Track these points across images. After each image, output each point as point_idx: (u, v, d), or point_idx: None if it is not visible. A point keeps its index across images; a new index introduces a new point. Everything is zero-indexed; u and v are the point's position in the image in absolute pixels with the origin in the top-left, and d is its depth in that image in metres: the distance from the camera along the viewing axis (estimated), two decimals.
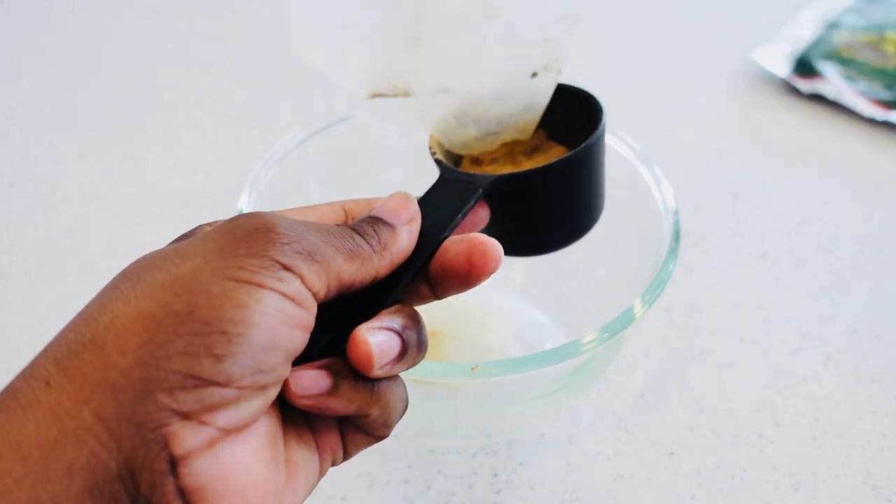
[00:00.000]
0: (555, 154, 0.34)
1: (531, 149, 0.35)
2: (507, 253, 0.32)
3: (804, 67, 0.65)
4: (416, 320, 0.25)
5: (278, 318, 0.21)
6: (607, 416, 0.44)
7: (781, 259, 0.53)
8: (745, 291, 0.51)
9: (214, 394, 0.20)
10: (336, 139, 0.45)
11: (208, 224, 0.25)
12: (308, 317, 0.22)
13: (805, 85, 0.64)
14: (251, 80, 0.68)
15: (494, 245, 0.26)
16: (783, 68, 0.66)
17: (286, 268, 0.21)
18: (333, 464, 0.26)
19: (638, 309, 0.35)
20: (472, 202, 0.29)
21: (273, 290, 0.21)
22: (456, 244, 0.27)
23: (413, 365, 0.25)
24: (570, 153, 0.31)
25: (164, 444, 0.19)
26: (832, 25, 0.69)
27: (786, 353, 0.48)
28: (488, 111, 0.32)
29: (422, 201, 0.28)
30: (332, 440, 0.25)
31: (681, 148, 0.61)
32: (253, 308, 0.20)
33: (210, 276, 0.21)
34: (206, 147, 0.62)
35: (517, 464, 0.42)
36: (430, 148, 0.33)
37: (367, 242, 0.24)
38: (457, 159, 0.35)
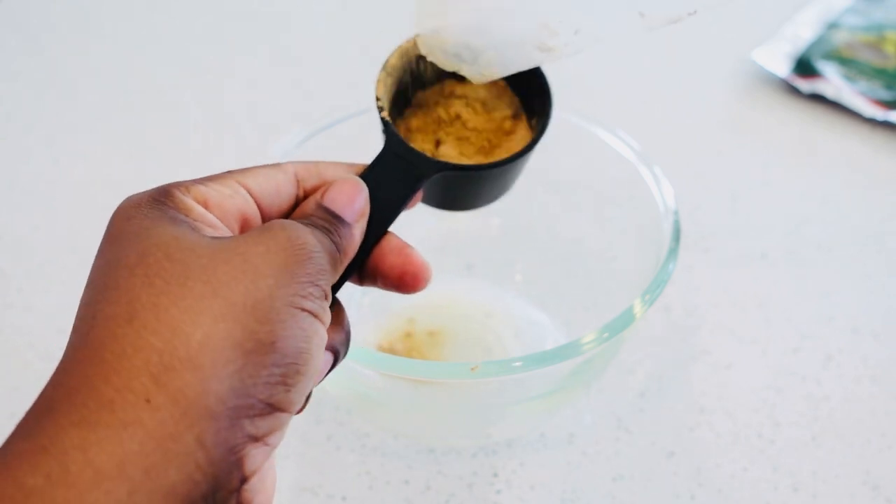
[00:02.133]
0: (510, 142, 0.34)
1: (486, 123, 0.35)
2: (430, 204, 0.34)
3: (804, 67, 0.65)
4: (343, 324, 0.27)
5: (321, 346, 0.23)
6: (607, 416, 0.44)
7: (781, 259, 0.53)
8: (745, 291, 0.51)
9: (279, 419, 0.22)
10: (336, 139, 0.45)
11: (179, 190, 0.25)
12: (327, 338, 0.24)
13: (805, 85, 0.64)
14: (251, 80, 0.68)
15: (426, 269, 0.28)
16: (783, 68, 0.66)
17: (326, 296, 0.24)
18: None
19: (638, 309, 0.35)
20: (416, 189, 0.29)
21: (321, 321, 0.23)
22: (393, 254, 0.28)
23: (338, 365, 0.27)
24: (511, 155, 0.31)
25: (241, 466, 0.21)
26: (832, 25, 0.69)
27: (785, 353, 0.48)
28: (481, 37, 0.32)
29: (367, 178, 0.29)
30: None
31: (681, 148, 0.61)
32: (312, 339, 0.22)
33: (284, 304, 0.22)
34: (206, 147, 0.62)
35: (517, 464, 0.42)
36: (378, 99, 0.32)
37: (338, 249, 0.26)
38: (393, 102, 0.34)
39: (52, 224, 0.56)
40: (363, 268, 0.28)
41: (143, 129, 0.64)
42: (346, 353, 0.27)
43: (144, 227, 0.23)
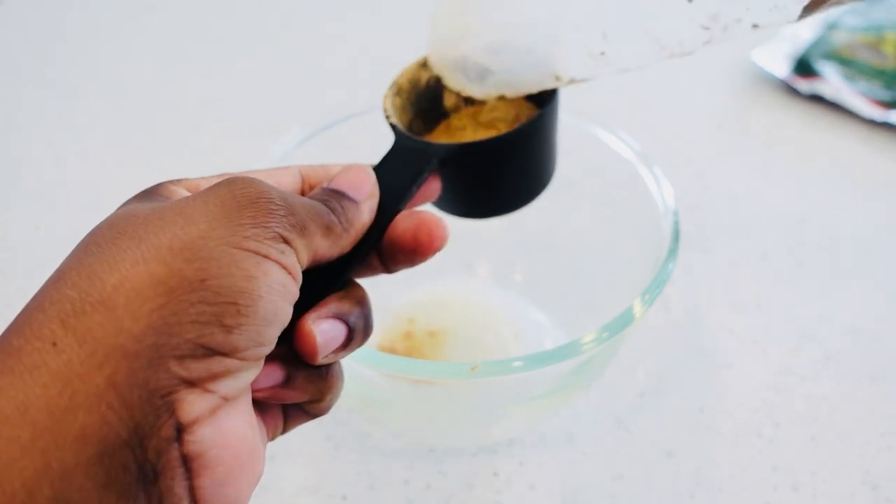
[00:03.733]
0: (519, 114, 0.34)
1: (491, 114, 0.34)
2: (460, 215, 0.34)
3: (804, 68, 0.65)
4: (362, 304, 0.26)
5: (280, 291, 0.21)
6: (607, 416, 0.44)
7: (781, 259, 0.53)
8: (745, 291, 0.51)
9: (220, 363, 0.20)
10: (336, 139, 0.45)
11: (172, 182, 0.25)
12: (297, 292, 0.22)
13: (804, 85, 0.64)
14: (251, 80, 0.68)
15: (440, 225, 0.27)
16: (783, 69, 0.66)
17: (286, 241, 0.22)
18: (271, 439, 0.26)
19: (638, 309, 0.35)
20: (427, 173, 0.29)
21: (277, 262, 0.21)
22: (404, 220, 0.27)
23: (359, 347, 0.26)
24: (519, 125, 0.31)
25: (172, 411, 0.19)
26: (831, 26, 0.69)
27: (785, 353, 0.48)
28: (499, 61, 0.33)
29: (377, 170, 0.28)
30: (275, 418, 0.25)
31: (681, 148, 0.62)
32: (260, 280, 0.21)
33: (219, 244, 0.21)
34: (206, 147, 0.62)
35: (517, 464, 0.42)
36: (385, 110, 0.32)
37: (338, 218, 0.25)
38: (412, 123, 0.34)
39: (53, 224, 0.56)
40: (382, 251, 0.28)
41: (144, 130, 0.64)
42: (365, 330, 0.26)
43: (116, 210, 0.23)
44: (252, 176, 0.24)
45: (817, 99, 0.65)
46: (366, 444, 0.43)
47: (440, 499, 0.41)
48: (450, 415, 0.41)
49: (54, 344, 0.19)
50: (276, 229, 0.22)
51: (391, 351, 0.46)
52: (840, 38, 0.68)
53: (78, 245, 0.22)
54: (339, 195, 0.26)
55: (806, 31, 0.69)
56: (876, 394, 0.45)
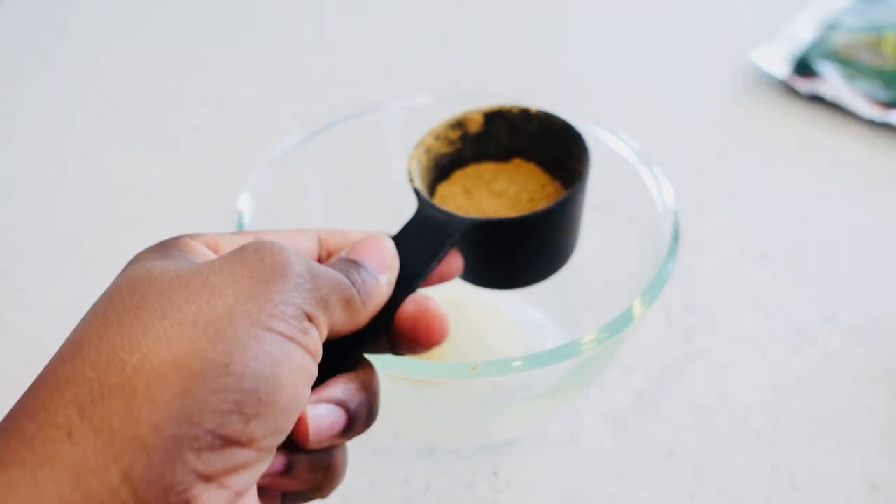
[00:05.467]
0: (543, 194, 0.34)
1: (521, 188, 0.34)
2: (480, 285, 0.33)
3: (803, 68, 0.65)
4: (369, 389, 0.24)
5: (302, 376, 0.20)
6: (607, 415, 0.44)
7: (781, 259, 0.53)
8: (745, 291, 0.51)
9: (236, 455, 0.19)
10: (336, 139, 0.45)
11: (190, 237, 0.24)
12: (316, 372, 0.21)
13: (804, 86, 0.64)
14: (251, 80, 0.68)
15: (442, 320, 0.26)
16: (782, 69, 0.66)
17: (310, 318, 0.21)
18: None
19: (638, 309, 0.35)
20: (447, 249, 0.28)
21: (301, 344, 0.20)
22: (408, 305, 0.26)
23: (360, 434, 0.24)
24: (547, 206, 0.30)
25: None
26: (831, 26, 0.69)
27: (785, 353, 0.48)
28: None
29: (396, 240, 0.27)
30: (274, 501, 0.24)
31: (681, 148, 0.62)
32: (284, 365, 0.20)
33: (244, 322, 0.19)
34: (206, 147, 0.62)
35: (517, 464, 0.42)
36: (409, 173, 0.32)
37: (357, 292, 0.24)
38: (434, 181, 0.34)
39: (53, 224, 0.56)
40: (391, 331, 0.26)
41: (144, 130, 0.64)
42: (368, 419, 0.24)
43: (132, 265, 0.22)
44: (276, 240, 0.23)
45: (817, 99, 0.65)
46: (366, 444, 0.43)
47: (440, 499, 0.41)
48: (450, 415, 0.41)
49: (69, 434, 0.18)
50: (303, 306, 0.21)
51: None
52: (840, 39, 0.68)
53: (96, 307, 0.21)
54: (358, 266, 0.24)
55: (805, 32, 0.69)
56: (876, 393, 0.45)
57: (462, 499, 0.41)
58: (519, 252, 0.32)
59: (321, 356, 0.22)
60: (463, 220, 0.29)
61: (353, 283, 0.24)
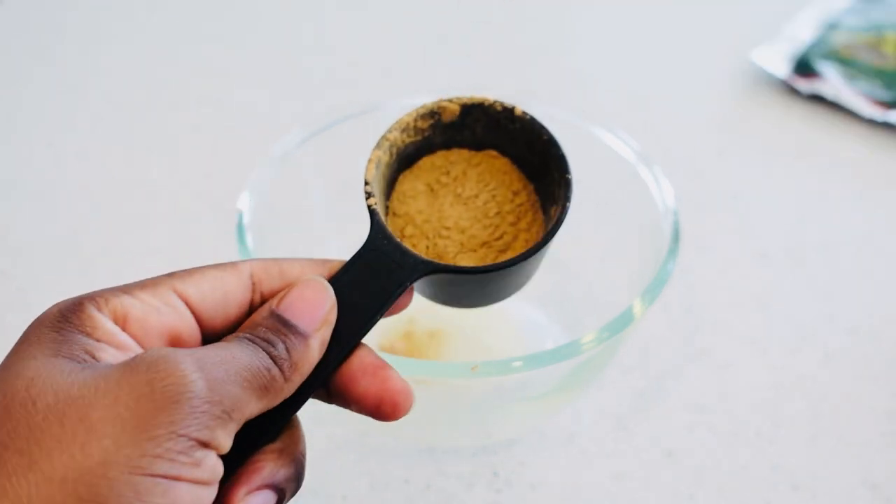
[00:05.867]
0: (514, 206, 0.31)
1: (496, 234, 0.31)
2: (432, 300, 0.31)
3: (804, 68, 0.65)
4: (297, 459, 0.23)
5: None
6: (607, 415, 0.44)
7: (781, 259, 0.53)
8: (745, 291, 0.51)
9: None
10: (336, 139, 0.45)
11: (97, 303, 0.22)
12: (215, 492, 0.20)
13: (805, 85, 0.64)
14: (251, 80, 0.68)
15: (407, 395, 0.24)
16: (783, 69, 0.66)
17: (205, 445, 0.19)
18: None
19: (637, 308, 0.35)
20: (396, 297, 0.25)
21: (189, 480, 0.19)
22: (367, 376, 0.24)
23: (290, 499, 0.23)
24: (515, 257, 0.28)
25: None
26: (831, 26, 0.69)
27: (785, 353, 0.48)
28: None
29: (340, 279, 0.25)
30: None
31: (681, 148, 0.62)
32: None
33: (121, 471, 0.18)
34: (206, 147, 0.62)
35: (517, 464, 0.42)
36: (366, 181, 0.28)
37: (280, 369, 0.22)
38: (393, 174, 0.31)
39: (53, 224, 0.56)
40: (329, 385, 0.24)
41: (144, 130, 0.64)
42: (297, 488, 0.23)
43: (23, 358, 0.20)
44: (174, 353, 0.20)
45: (817, 99, 0.65)
46: (366, 444, 0.43)
47: (440, 499, 0.41)
48: (450, 415, 0.41)
49: None
50: (196, 434, 0.19)
51: (391, 351, 0.46)
52: (840, 39, 0.68)
53: None
54: (286, 326, 0.22)
55: (806, 32, 0.69)
56: (876, 394, 0.45)
57: (462, 499, 0.41)
58: (483, 288, 0.29)
59: (222, 473, 0.20)
60: (418, 265, 0.26)
61: (274, 361, 0.22)
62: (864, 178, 0.59)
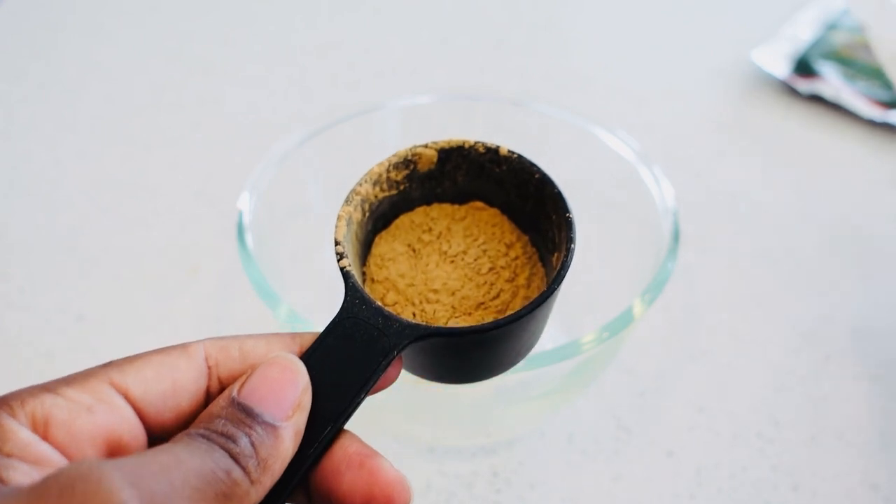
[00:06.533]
0: (508, 260, 0.28)
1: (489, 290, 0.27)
2: (422, 375, 0.26)
3: (803, 68, 0.65)
4: None
5: None
6: (607, 415, 0.44)
7: (781, 259, 0.53)
8: (745, 291, 0.51)
9: None
10: (336, 139, 0.45)
11: (11, 407, 0.18)
12: None
13: (804, 86, 0.65)
14: (251, 80, 0.68)
15: (403, 489, 0.20)
16: (782, 69, 0.66)
17: None
18: None
19: (637, 309, 0.35)
20: (382, 371, 0.22)
21: None
22: (353, 469, 0.20)
23: None
24: (515, 313, 0.24)
25: None
26: (831, 26, 0.69)
27: (785, 353, 0.48)
28: None
29: (313, 355, 0.21)
30: None
31: (681, 148, 0.62)
32: None
33: None
34: (206, 147, 0.62)
35: (517, 463, 0.42)
36: (336, 240, 0.25)
37: (244, 470, 0.18)
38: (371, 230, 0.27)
39: (53, 224, 0.56)
40: (308, 483, 0.21)
41: (144, 129, 0.64)
42: None
43: None
44: (106, 467, 0.16)
45: (817, 99, 0.65)
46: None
47: (440, 499, 0.41)
48: (450, 415, 0.41)
49: None
50: None
51: None
52: (840, 39, 0.68)
53: None
54: (250, 416, 0.19)
55: (805, 32, 0.69)
56: (876, 393, 0.45)
57: (462, 499, 0.41)
58: (477, 357, 0.25)
59: None
60: (404, 330, 0.22)
61: (236, 461, 0.18)
62: (864, 178, 0.59)
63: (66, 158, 0.61)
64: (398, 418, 0.42)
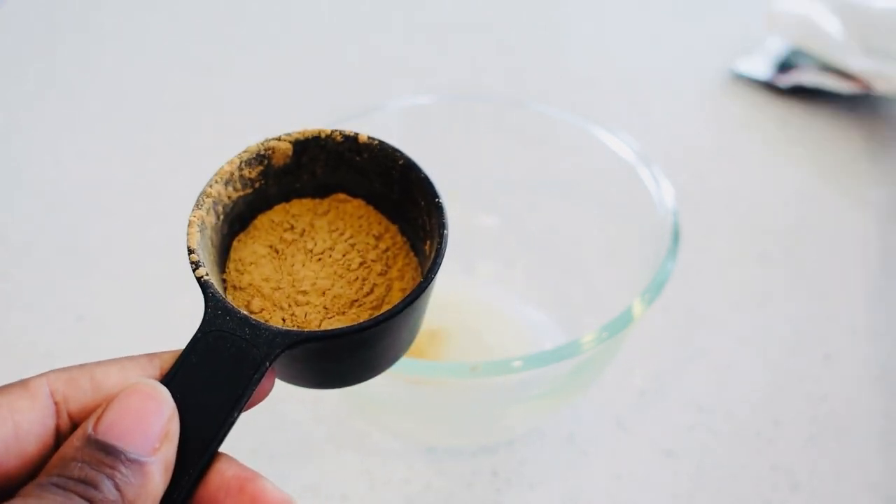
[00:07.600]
0: (379, 253, 0.26)
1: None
2: (298, 384, 0.25)
3: (785, 67, 0.67)
4: None
5: None
6: (607, 415, 0.44)
7: (781, 259, 0.53)
8: (745, 291, 0.51)
9: None
10: None
11: None
12: None
13: (785, 80, 0.65)
14: (252, 80, 0.68)
15: None
16: (767, 71, 0.67)
17: None
18: None
19: (637, 308, 0.35)
20: (257, 380, 0.20)
21: None
22: (232, 495, 0.19)
23: None
24: (399, 303, 0.23)
25: None
26: None
27: (784, 353, 0.48)
28: None
29: (176, 376, 0.20)
30: None
31: (680, 148, 0.62)
32: None
33: None
34: (206, 147, 0.62)
35: (517, 463, 0.42)
36: (188, 247, 0.23)
37: None
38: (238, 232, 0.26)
39: (53, 224, 0.56)
40: None
41: (144, 130, 0.64)
42: None
43: None
44: None
45: (817, 99, 0.65)
46: (366, 444, 0.43)
47: (440, 499, 0.41)
48: (450, 415, 0.41)
49: None
50: None
51: None
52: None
53: None
54: (111, 455, 0.16)
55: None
56: (875, 393, 0.45)
57: (462, 499, 0.41)
58: (355, 358, 0.24)
59: None
60: (275, 338, 0.21)
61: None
62: (865, 179, 0.59)
63: (66, 158, 0.61)
64: (398, 418, 0.42)
